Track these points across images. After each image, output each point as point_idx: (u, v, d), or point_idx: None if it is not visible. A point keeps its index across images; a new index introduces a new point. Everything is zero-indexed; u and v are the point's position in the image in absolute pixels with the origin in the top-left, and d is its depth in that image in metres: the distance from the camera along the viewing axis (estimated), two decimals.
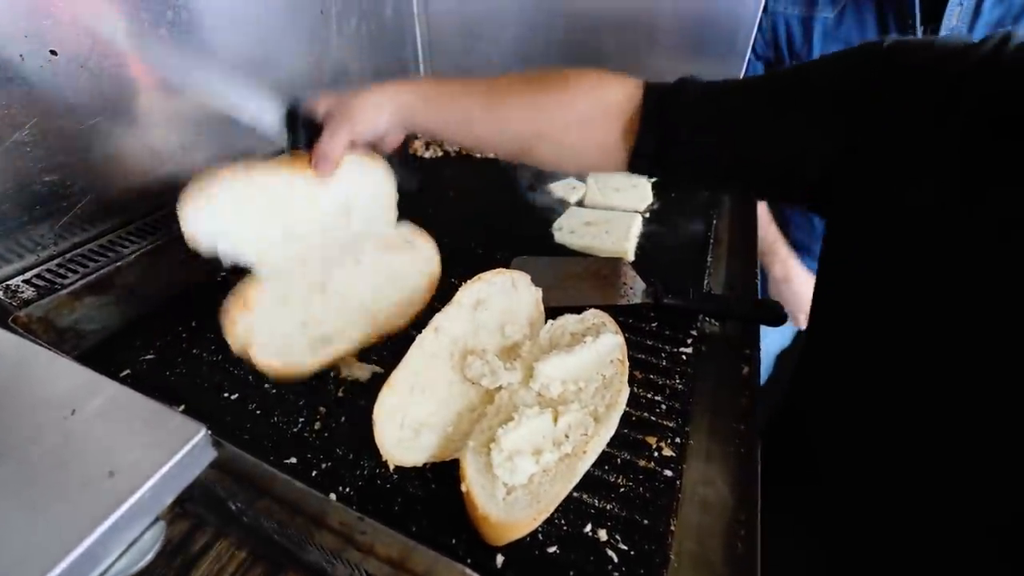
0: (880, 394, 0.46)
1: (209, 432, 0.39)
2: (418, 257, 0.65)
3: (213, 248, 0.52)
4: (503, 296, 0.57)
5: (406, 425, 0.46)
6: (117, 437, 0.40)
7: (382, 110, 0.57)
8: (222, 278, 0.68)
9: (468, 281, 0.56)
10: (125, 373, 0.57)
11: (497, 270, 0.58)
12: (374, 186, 0.63)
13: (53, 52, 0.57)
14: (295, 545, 0.51)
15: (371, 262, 0.61)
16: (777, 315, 0.59)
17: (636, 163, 0.57)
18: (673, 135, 0.53)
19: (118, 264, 0.61)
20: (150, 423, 0.41)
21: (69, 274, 0.59)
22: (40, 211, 0.59)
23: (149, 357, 0.58)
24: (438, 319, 0.52)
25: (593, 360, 0.52)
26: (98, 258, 0.61)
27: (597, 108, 0.56)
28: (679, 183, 0.58)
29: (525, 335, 0.55)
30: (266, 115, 0.61)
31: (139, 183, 0.69)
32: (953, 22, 0.81)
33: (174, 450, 0.39)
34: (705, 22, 0.92)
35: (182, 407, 0.53)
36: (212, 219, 0.51)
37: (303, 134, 0.59)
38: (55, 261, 0.61)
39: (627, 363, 0.52)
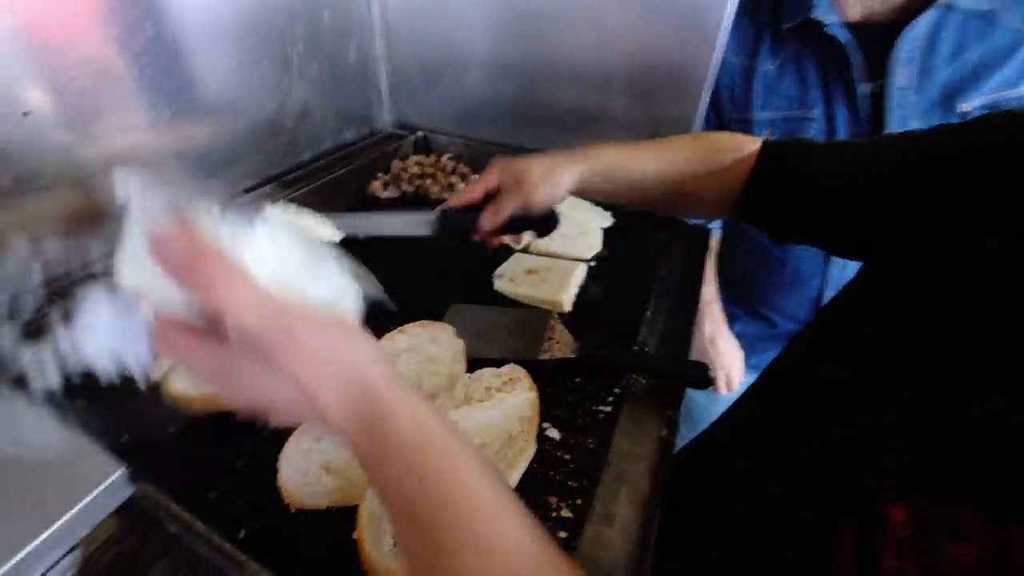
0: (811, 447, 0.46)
1: (127, 470, 0.41)
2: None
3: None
4: (424, 348, 0.58)
5: (311, 470, 0.47)
6: (34, 471, 0.41)
7: (559, 186, 0.64)
8: None
9: (392, 331, 0.57)
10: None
11: (421, 322, 0.59)
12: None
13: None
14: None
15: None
16: (704, 378, 0.60)
17: (742, 210, 0.63)
18: (787, 185, 0.59)
19: None
20: (69, 457, 0.43)
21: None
22: None
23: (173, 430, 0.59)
24: None
25: (501, 416, 0.52)
26: None
27: (732, 162, 0.62)
28: (778, 231, 0.63)
29: (442, 388, 0.56)
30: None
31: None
32: (900, 81, 0.82)
33: (88, 489, 0.40)
34: (659, 73, 0.94)
35: (125, 437, 0.54)
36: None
37: (457, 231, 0.66)
38: None
39: (536, 420, 0.53)
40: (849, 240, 0.55)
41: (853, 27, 0.81)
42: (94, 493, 0.41)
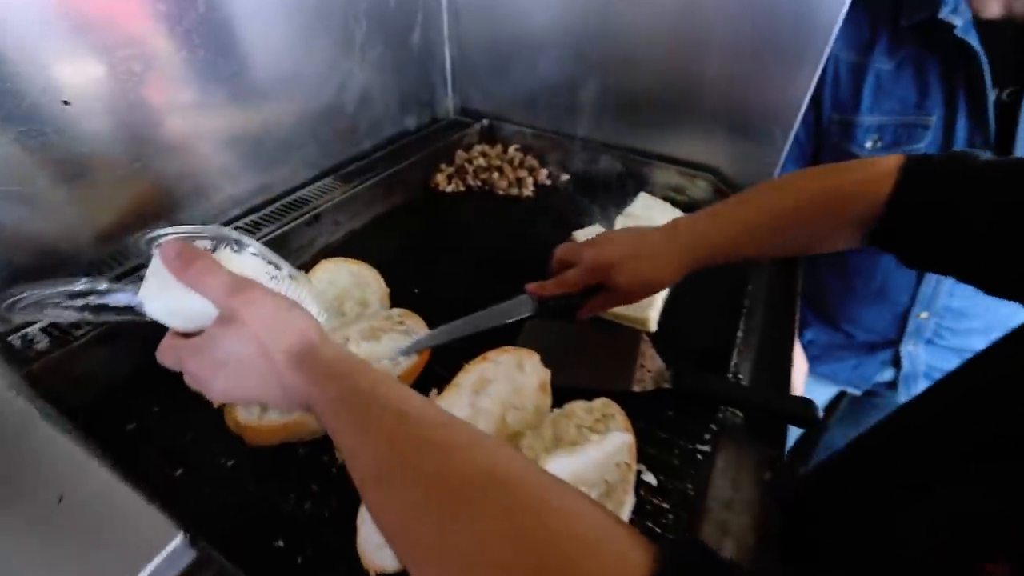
0: None
1: (186, 536, 0.39)
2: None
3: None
4: (508, 379, 0.54)
5: None
6: (99, 534, 0.40)
7: (661, 285, 0.61)
8: None
9: (471, 361, 0.54)
10: (131, 426, 0.57)
11: (504, 348, 0.56)
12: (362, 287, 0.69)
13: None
14: None
15: (359, 343, 0.60)
16: (808, 416, 0.54)
17: (878, 236, 0.55)
18: (941, 209, 0.50)
19: None
20: (132, 521, 0.41)
21: (82, 323, 0.59)
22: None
23: (156, 409, 0.59)
24: None
25: (597, 463, 0.48)
26: None
27: (867, 192, 0.54)
28: (916, 258, 0.55)
29: (528, 424, 0.53)
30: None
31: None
32: None
33: (150, 556, 0.38)
34: (760, 61, 0.85)
35: (180, 470, 0.53)
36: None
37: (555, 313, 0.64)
38: None
39: (634, 466, 0.49)
40: (1014, 281, 0.48)
41: (983, 25, 0.71)
42: (154, 563, 0.39)
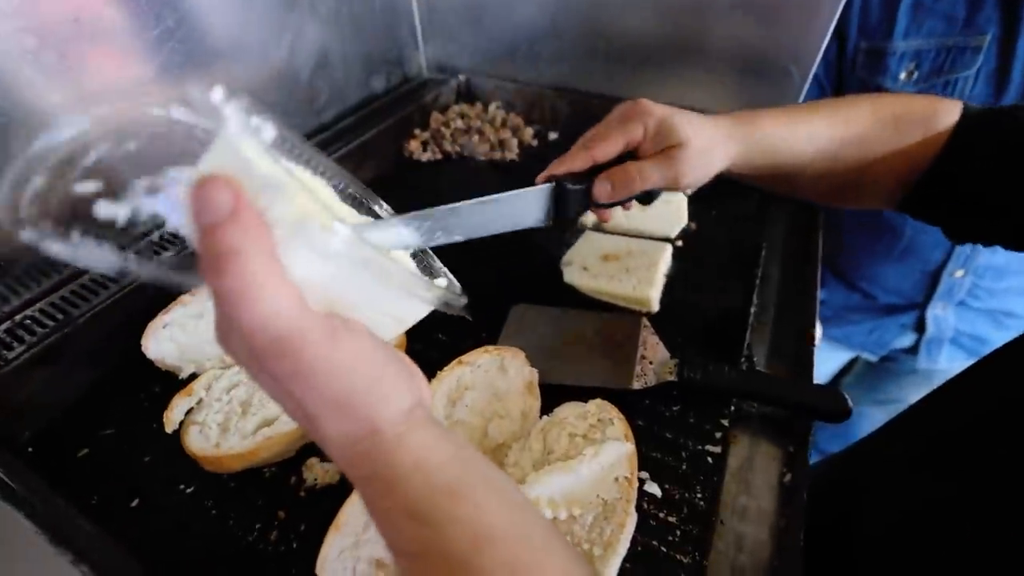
0: None
1: None
2: None
3: (176, 363, 0.54)
4: (488, 384, 0.47)
5: (358, 569, 0.38)
6: None
7: (712, 167, 0.48)
8: None
9: (445, 368, 0.47)
10: (83, 452, 0.51)
11: (483, 349, 0.49)
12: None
13: None
14: None
15: None
16: (840, 410, 0.47)
17: (913, 201, 0.48)
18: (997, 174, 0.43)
19: (66, 330, 0.54)
20: None
21: (15, 344, 0.53)
22: None
23: (108, 432, 0.53)
24: None
25: (593, 479, 0.42)
26: (45, 323, 0.55)
27: (928, 144, 0.46)
28: (961, 231, 0.48)
29: (514, 434, 0.46)
30: None
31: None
32: None
33: None
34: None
35: (136, 501, 0.47)
36: (171, 342, 0.54)
37: (572, 209, 0.48)
38: None
39: (636, 480, 0.43)
40: None
41: None
42: None
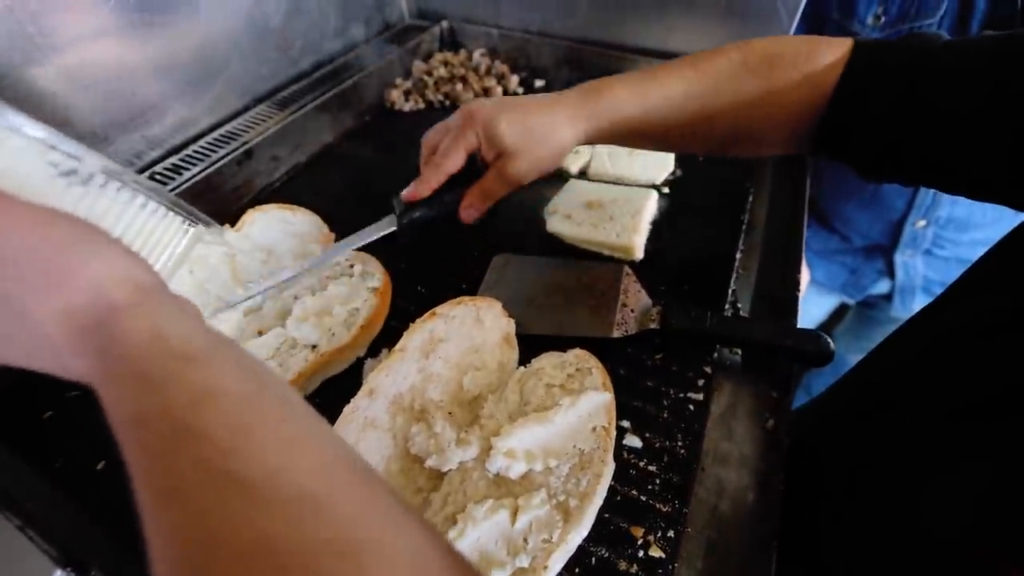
0: None
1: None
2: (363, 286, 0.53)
3: None
4: (464, 336, 0.46)
5: None
6: None
7: (554, 153, 0.48)
8: None
9: (418, 320, 0.45)
10: (48, 415, 0.50)
11: (458, 300, 0.47)
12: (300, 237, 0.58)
13: None
14: None
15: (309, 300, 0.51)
16: (822, 353, 0.46)
17: (823, 143, 0.46)
18: (891, 106, 0.41)
19: None
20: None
21: None
22: None
23: (74, 394, 0.52)
24: (374, 379, 0.42)
25: (570, 429, 0.41)
26: None
27: (809, 84, 0.44)
28: (872, 169, 0.45)
29: (490, 386, 0.45)
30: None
31: None
32: None
33: None
34: None
35: (102, 464, 0.46)
36: None
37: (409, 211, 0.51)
38: None
39: (614, 430, 0.42)
40: (998, 184, 0.39)
41: None
42: None
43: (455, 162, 0.49)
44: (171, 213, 0.33)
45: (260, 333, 0.49)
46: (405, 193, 0.50)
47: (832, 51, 0.43)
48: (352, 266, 0.55)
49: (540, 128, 0.47)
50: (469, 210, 0.51)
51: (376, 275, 0.53)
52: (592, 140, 0.49)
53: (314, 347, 0.47)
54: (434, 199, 0.50)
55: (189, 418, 0.21)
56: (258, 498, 0.19)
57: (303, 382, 0.46)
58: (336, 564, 0.18)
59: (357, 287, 0.52)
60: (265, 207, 0.60)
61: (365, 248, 0.53)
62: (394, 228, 0.51)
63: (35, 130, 0.27)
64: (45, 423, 0.49)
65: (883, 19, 0.70)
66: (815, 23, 0.79)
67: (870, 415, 0.45)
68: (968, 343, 0.38)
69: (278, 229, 0.59)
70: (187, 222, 0.35)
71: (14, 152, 0.26)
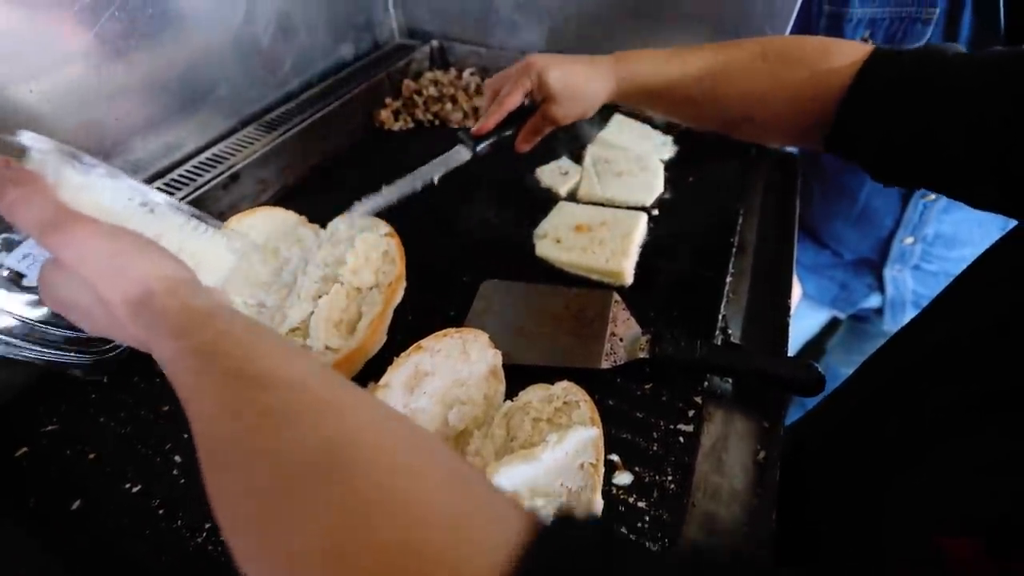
0: None
1: None
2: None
3: None
4: (449, 370, 0.45)
5: None
6: None
7: (587, 96, 0.57)
8: None
9: (403, 353, 0.44)
10: (22, 451, 0.49)
11: (444, 332, 0.46)
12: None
13: None
14: None
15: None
16: (813, 382, 0.46)
17: (837, 141, 0.48)
18: (904, 111, 0.43)
19: None
20: None
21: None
22: None
23: (51, 428, 0.50)
24: None
25: (557, 466, 0.40)
26: None
27: (814, 78, 0.48)
28: (884, 171, 0.47)
29: (477, 420, 0.44)
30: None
31: None
32: None
33: None
34: None
35: (77, 503, 0.45)
36: None
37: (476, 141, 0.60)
38: None
39: (602, 466, 0.41)
40: (1000, 193, 0.39)
41: None
42: None
43: (514, 100, 0.57)
44: (218, 233, 0.41)
45: None
46: (475, 128, 0.59)
47: (848, 54, 0.46)
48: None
49: (580, 79, 0.56)
50: (523, 144, 0.62)
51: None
52: (619, 98, 0.58)
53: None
54: (494, 132, 0.59)
55: (244, 366, 0.27)
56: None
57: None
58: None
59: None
60: (239, 215, 0.61)
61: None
62: (470, 156, 0.60)
63: (120, 178, 0.36)
64: (18, 461, 0.48)
65: (870, 42, 0.70)
66: None
67: (862, 430, 0.45)
68: (955, 355, 0.38)
69: (260, 229, 0.60)
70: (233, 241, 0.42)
71: (103, 190, 0.35)
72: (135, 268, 0.32)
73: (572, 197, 0.71)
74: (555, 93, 0.56)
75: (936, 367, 0.39)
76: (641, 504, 0.42)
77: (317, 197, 0.75)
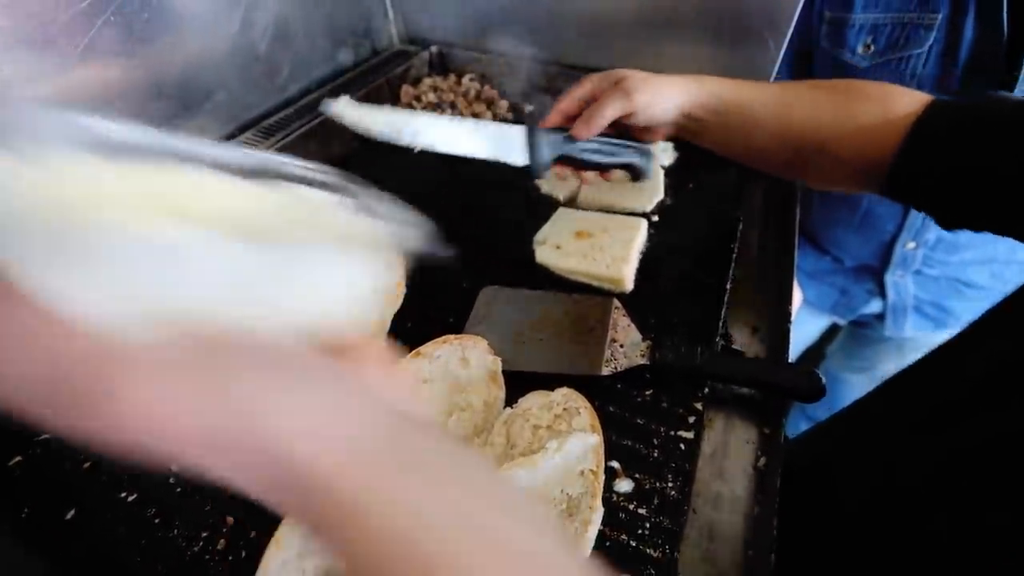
0: None
1: None
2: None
3: None
4: (448, 376, 0.45)
5: None
6: None
7: (663, 97, 0.55)
8: None
9: (402, 360, 0.44)
10: (16, 460, 0.48)
11: (443, 339, 0.46)
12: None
13: None
14: None
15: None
16: (814, 389, 0.46)
17: (896, 185, 0.48)
18: (967, 159, 0.43)
19: None
20: None
21: None
22: None
23: (45, 437, 0.50)
24: None
25: (557, 473, 0.40)
26: None
27: (880, 118, 0.47)
28: (951, 218, 0.47)
29: (476, 427, 0.44)
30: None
31: None
32: None
33: None
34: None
35: (72, 512, 0.45)
36: None
37: (546, 150, 0.57)
38: None
39: (602, 474, 0.40)
40: None
41: None
42: None
43: (608, 118, 0.55)
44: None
45: None
46: (572, 130, 0.56)
47: (909, 101, 0.46)
48: None
49: (661, 81, 0.55)
50: (579, 124, 0.57)
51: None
52: (692, 111, 0.56)
53: None
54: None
55: None
56: None
57: None
58: None
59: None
60: None
61: None
62: (526, 167, 0.57)
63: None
64: (11, 470, 0.47)
65: (872, 48, 0.71)
66: (804, 53, 0.80)
67: (898, 446, 0.44)
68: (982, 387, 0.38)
69: None
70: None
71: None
72: (245, 430, 0.19)
73: (572, 203, 0.71)
74: (633, 74, 0.56)
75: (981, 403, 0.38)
76: (642, 511, 0.42)
77: None
